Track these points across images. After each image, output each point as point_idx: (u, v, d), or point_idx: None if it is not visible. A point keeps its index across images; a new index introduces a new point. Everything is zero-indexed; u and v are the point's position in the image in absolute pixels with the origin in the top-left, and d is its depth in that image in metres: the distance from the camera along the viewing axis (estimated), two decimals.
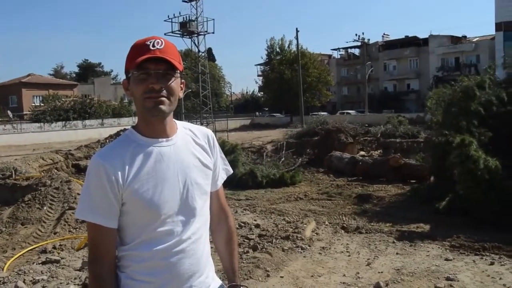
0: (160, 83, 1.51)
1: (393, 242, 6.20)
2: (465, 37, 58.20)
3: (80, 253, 5.89)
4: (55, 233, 6.79)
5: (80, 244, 6.13)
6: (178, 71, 1.57)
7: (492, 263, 5.19)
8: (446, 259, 5.39)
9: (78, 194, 7.82)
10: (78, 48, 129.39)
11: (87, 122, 42.20)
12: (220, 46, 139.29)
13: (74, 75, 74.41)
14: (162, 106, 1.52)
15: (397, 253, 5.72)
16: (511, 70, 9.29)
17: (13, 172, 10.34)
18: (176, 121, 1.68)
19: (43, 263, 5.48)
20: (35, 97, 52.74)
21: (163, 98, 1.52)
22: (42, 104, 47.14)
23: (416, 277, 4.89)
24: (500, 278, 4.74)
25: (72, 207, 7.26)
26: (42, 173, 11.28)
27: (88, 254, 1.58)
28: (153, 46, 1.51)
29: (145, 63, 1.50)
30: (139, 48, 1.53)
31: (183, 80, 1.63)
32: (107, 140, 16.96)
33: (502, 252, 5.54)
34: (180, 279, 1.57)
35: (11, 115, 45.27)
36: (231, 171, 1.90)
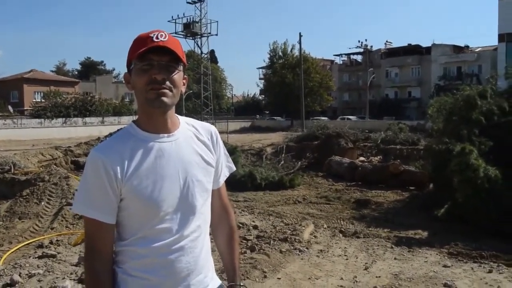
0: (163, 74, 1.49)
1: (391, 248, 6.19)
2: (467, 47, 58.35)
3: (77, 248, 5.87)
4: (52, 228, 6.78)
5: (77, 239, 6.11)
6: (181, 64, 1.55)
7: (490, 271, 5.18)
8: (444, 266, 5.38)
9: (76, 190, 7.82)
10: (81, 46, 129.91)
11: (88, 119, 42.29)
12: (223, 48, 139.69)
13: (76, 72, 74.60)
14: (164, 98, 1.49)
15: (395, 258, 5.71)
16: None
17: (12, 167, 10.35)
18: (179, 116, 1.65)
19: (40, 257, 5.45)
20: (36, 93, 52.82)
21: (166, 90, 1.49)
22: (43, 100, 47.21)
23: (414, 282, 4.87)
24: (498, 287, 4.73)
25: (70, 203, 7.25)
26: (41, 168, 11.27)
27: (85, 249, 1.55)
28: (157, 38, 1.49)
29: (148, 54, 1.48)
30: (143, 40, 1.50)
31: (185, 75, 1.61)
32: (107, 138, 16.98)
33: (500, 260, 5.53)
34: (177, 277, 1.54)
35: (11, 110, 45.33)
36: (234, 169, 1.86)
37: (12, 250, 5.89)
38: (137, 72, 1.51)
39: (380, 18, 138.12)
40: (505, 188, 6.74)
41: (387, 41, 65.98)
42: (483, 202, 6.72)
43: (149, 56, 1.48)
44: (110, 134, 17.38)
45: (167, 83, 1.49)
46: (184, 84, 1.60)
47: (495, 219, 6.60)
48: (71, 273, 4.93)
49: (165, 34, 1.52)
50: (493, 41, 48.04)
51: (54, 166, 11.26)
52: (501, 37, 44.52)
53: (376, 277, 5.05)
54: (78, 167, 13.77)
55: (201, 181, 1.60)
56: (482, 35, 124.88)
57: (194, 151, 1.61)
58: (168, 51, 1.49)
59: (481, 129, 7.93)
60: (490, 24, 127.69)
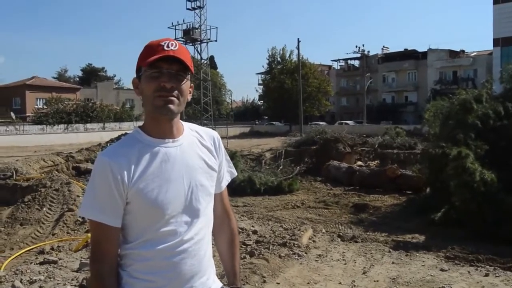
0: (172, 83, 1.53)
1: (389, 252, 6.25)
2: (463, 51, 58.67)
3: (78, 254, 5.92)
4: (53, 234, 6.83)
5: (78, 245, 6.16)
6: (189, 74, 1.60)
7: (487, 275, 5.24)
8: (441, 270, 5.44)
9: (78, 196, 7.87)
10: (82, 53, 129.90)
11: (89, 125, 42.38)
12: (222, 54, 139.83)
13: (78, 79, 74.72)
14: (171, 106, 1.54)
15: (392, 262, 5.77)
16: (508, 85, 9.35)
17: (14, 173, 10.40)
18: (182, 122, 1.69)
19: (41, 263, 5.50)
20: (38, 99, 53.02)
21: (173, 98, 1.54)
22: (45, 107, 47.35)
23: (412, 286, 4.94)
24: None
25: (71, 209, 7.31)
26: (43, 174, 11.32)
27: (90, 252, 1.58)
28: (168, 47, 1.54)
29: (159, 62, 1.52)
30: (154, 48, 1.55)
31: (192, 84, 1.66)
32: (108, 144, 17.02)
33: (496, 264, 5.58)
34: (182, 279, 1.58)
35: (13, 117, 45.40)
36: (236, 174, 1.91)
37: (13, 256, 5.93)
38: (146, 79, 1.55)
39: (377, 23, 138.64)
40: (501, 191, 6.81)
41: (383, 46, 66.46)
42: (480, 206, 6.77)
43: (159, 64, 1.53)
44: (112, 140, 17.50)
45: (175, 91, 1.54)
46: (190, 92, 1.65)
47: (491, 222, 6.65)
48: (72, 279, 4.98)
49: (175, 43, 1.57)
50: (488, 45, 48.38)
51: (56, 172, 11.30)
52: (496, 42, 44.83)
53: (374, 281, 5.11)
54: (79, 173, 13.82)
55: (205, 185, 1.65)
56: (477, 40, 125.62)
57: (198, 156, 1.66)
58: (178, 60, 1.54)
59: (477, 133, 7.99)
60: (485, 28, 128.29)
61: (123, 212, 1.54)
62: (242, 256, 5.77)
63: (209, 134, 1.76)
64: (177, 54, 1.54)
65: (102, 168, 1.52)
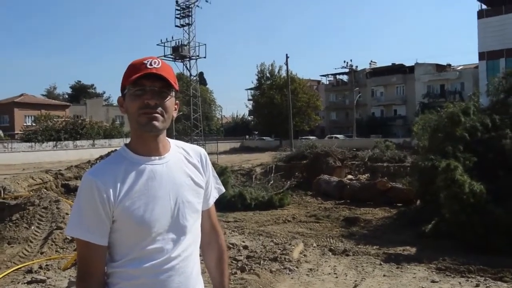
0: (155, 100, 1.53)
1: (380, 264, 6.25)
2: (449, 65, 59.52)
3: (67, 273, 5.84)
4: (41, 253, 6.72)
5: (67, 264, 6.07)
6: (173, 91, 1.59)
7: (477, 285, 5.26)
8: (433, 281, 5.45)
9: (67, 214, 7.78)
10: (71, 70, 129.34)
11: (78, 142, 42.13)
12: (212, 71, 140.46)
13: (67, 96, 74.48)
14: (155, 122, 1.53)
15: (384, 275, 5.77)
16: (495, 98, 9.50)
17: (2, 191, 10.29)
18: (169, 139, 1.69)
19: (29, 282, 5.42)
20: (27, 117, 52.79)
21: (157, 115, 1.54)
22: (34, 124, 47.06)
23: None
24: None
25: (60, 227, 7.21)
26: (31, 192, 11.20)
27: (77, 271, 1.57)
28: (150, 65, 1.54)
29: (142, 79, 1.52)
30: (137, 66, 1.55)
31: (177, 101, 1.66)
32: (98, 161, 16.91)
33: (487, 274, 5.62)
34: None
35: (2, 134, 45.04)
36: (223, 190, 1.90)
37: (0, 276, 5.83)
38: (130, 97, 1.55)
39: (365, 38, 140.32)
40: (490, 202, 6.86)
41: (371, 61, 67.17)
42: (469, 217, 6.81)
43: (142, 81, 1.53)
44: (101, 157, 17.39)
45: (159, 108, 1.54)
46: (175, 110, 1.64)
47: (481, 233, 6.69)
48: None
49: (158, 61, 1.58)
50: (474, 59, 49.15)
51: (45, 190, 11.18)
52: (481, 55, 45.58)
53: None
54: (68, 190, 13.69)
55: (191, 202, 1.64)
56: (463, 54, 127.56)
57: (185, 173, 1.65)
58: (161, 77, 1.54)
59: (465, 145, 8.08)
60: (471, 42, 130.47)
61: (109, 231, 1.53)
62: (233, 272, 5.73)
63: (196, 151, 1.76)
64: (160, 71, 1.54)
65: (88, 186, 1.51)
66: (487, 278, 5.48)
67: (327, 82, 71.92)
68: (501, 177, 7.61)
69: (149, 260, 1.53)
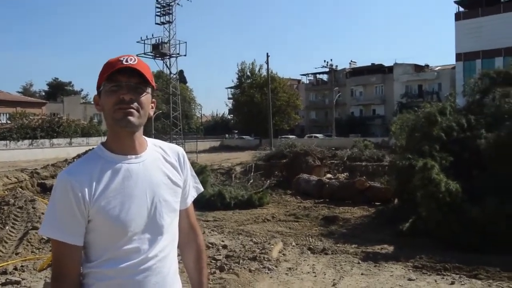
0: (131, 95, 1.52)
1: (358, 263, 6.31)
2: (427, 66, 60.47)
3: (42, 274, 5.74)
4: (16, 254, 6.58)
5: (43, 264, 5.96)
6: (150, 88, 1.58)
7: (453, 283, 5.34)
8: (409, 279, 5.52)
9: (43, 213, 7.64)
10: (48, 67, 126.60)
11: (55, 140, 41.34)
12: (192, 69, 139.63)
13: (44, 93, 72.88)
14: (131, 118, 1.52)
15: (362, 274, 5.82)
16: (471, 98, 9.68)
17: None
18: (146, 138, 1.68)
19: (3, 284, 5.30)
20: (1, 114, 51.41)
21: (133, 110, 1.52)
22: (9, 122, 46.02)
23: None
24: None
25: (35, 227, 7.07)
26: (6, 191, 10.97)
27: (52, 272, 1.55)
28: (126, 61, 1.53)
29: (117, 75, 1.51)
30: (113, 63, 1.53)
31: (153, 99, 1.64)
32: (75, 160, 16.65)
33: (462, 272, 5.71)
34: None
35: None
36: (202, 189, 1.89)
37: None
38: (106, 93, 1.54)
39: (345, 38, 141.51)
40: (466, 201, 6.99)
41: (351, 61, 67.83)
42: (445, 215, 6.93)
43: (118, 77, 1.52)
44: (79, 156, 17.14)
45: (135, 104, 1.52)
46: (152, 108, 1.63)
47: (457, 231, 6.81)
48: None
49: (134, 58, 1.56)
50: (451, 60, 50.06)
51: (20, 189, 10.95)
52: (458, 56, 46.57)
53: None
54: (44, 189, 13.45)
55: (169, 201, 1.63)
56: (441, 55, 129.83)
57: (162, 172, 1.64)
58: (137, 73, 1.53)
59: (442, 144, 8.21)
60: (448, 44, 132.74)
61: (84, 230, 1.51)
62: (212, 271, 5.71)
63: (173, 150, 1.74)
64: (136, 66, 1.53)
65: (63, 185, 1.49)
66: (462, 276, 5.58)
67: (307, 82, 72.36)
68: (475, 176, 7.77)
69: (125, 261, 1.51)
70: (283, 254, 6.70)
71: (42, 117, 46.29)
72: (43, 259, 6.18)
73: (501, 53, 40.97)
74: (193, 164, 12.53)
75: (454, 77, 46.92)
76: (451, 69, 51.30)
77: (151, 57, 34.14)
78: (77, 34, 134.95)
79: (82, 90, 76.80)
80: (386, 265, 6.16)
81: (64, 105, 60.40)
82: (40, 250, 6.76)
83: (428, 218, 7.18)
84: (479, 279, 5.44)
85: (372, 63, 63.15)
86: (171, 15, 34.46)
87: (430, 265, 6.04)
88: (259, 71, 55.90)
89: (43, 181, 14.34)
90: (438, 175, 7.22)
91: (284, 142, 21.52)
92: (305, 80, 72.58)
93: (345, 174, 15.78)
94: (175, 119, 34.88)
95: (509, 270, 5.62)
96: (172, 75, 35.54)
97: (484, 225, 6.58)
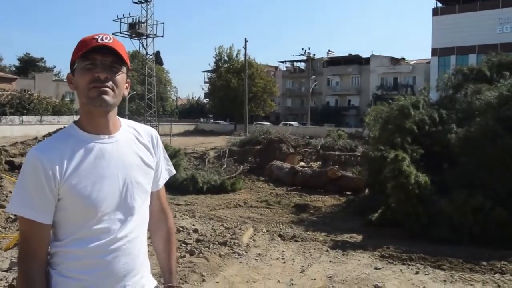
0: (106, 73, 1.50)
1: (327, 251, 6.40)
2: (403, 59, 61.27)
3: (8, 253, 5.64)
4: None
5: (9, 244, 5.86)
6: (125, 67, 1.57)
7: (417, 273, 5.48)
8: (376, 268, 5.64)
9: (10, 192, 7.48)
10: (20, 42, 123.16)
11: (25, 118, 40.45)
12: (169, 50, 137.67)
13: (14, 68, 70.58)
14: (106, 96, 1.50)
15: (330, 261, 5.91)
16: (444, 93, 9.85)
17: None
18: (120, 118, 1.66)
19: None
20: None
21: (108, 89, 1.50)
22: None
23: (347, 284, 5.08)
24: (424, 287, 5.03)
25: (2, 205, 6.94)
26: None
27: (19, 250, 1.53)
28: (102, 40, 1.51)
29: (92, 53, 1.49)
30: (88, 41, 1.51)
31: (128, 79, 1.63)
32: (45, 138, 16.29)
33: (427, 262, 5.86)
34: (114, 277, 1.54)
35: None
36: (174, 172, 1.88)
37: None
38: (80, 71, 1.51)
39: (323, 27, 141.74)
40: (434, 193, 7.15)
41: (329, 50, 68.00)
42: (414, 207, 7.08)
43: (93, 55, 1.50)
44: (49, 134, 16.76)
45: (110, 82, 1.51)
46: (126, 88, 1.62)
47: (425, 222, 6.98)
48: (1, 279, 4.75)
49: (110, 36, 1.54)
50: (427, 54, 50.83)
51: None
52: (433, 51, 47.32)
53: (312, 279, 5.22)
54: (13, 167, 13.08)
55: (141, 182, 1.62)
56: (417, 49, 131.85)
57: (135, 153, 1.63)
58: (112, 51, 1.51)
59: (414, 137, 8.34)
60: (425, 38, 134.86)
61: (54, 209, 1.49)
62: (182, 255, 5.71)
63: (147, 132, 1.73)
64: (111, 45, 1.51)
65: (33, 162, 1.47)
66: (426, 266, 5.72)
67: (285, 69, 72.35)
68: (445, 169, 7.94)
69: (94, 240, 1.50)
70: (253, 240, 6.75)
71: (12, 93, 45.16)
72: (10, 238, 6.07)
73: (475, 50, 41.80)
74: (166, 147, 12.41)
75: (428, 71, 47.71)
76: (426, 64, 52.12)
77: (127, 36, 33.50)
78: (52, 9, 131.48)
79: (54, 67, 74.88)
80: (354, 253, 6.27)
81: (36, 82, 58.86)
82: (7, 229, 6.63)
83: (397, 209, 7.32)
84: (442, 270, 5.59)
85: (349, 53, 63.57)
86: None
87: (396, 255, 6.17)
88: (236, 56, 55.74)
89: (11, 158, 13.96)
90: (408, 167, 7.35)
91: (259, 128, 21.57)
92: (282, 67, 72.64)
93: (318, 163, 15.92)
94: (150, 101, 34.45)
95: (472, 261, 5.80)
96: (148, 55, 34.99)
97: (451, 217, 6.75)
